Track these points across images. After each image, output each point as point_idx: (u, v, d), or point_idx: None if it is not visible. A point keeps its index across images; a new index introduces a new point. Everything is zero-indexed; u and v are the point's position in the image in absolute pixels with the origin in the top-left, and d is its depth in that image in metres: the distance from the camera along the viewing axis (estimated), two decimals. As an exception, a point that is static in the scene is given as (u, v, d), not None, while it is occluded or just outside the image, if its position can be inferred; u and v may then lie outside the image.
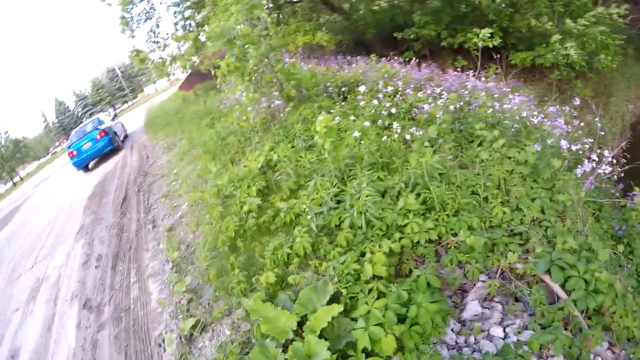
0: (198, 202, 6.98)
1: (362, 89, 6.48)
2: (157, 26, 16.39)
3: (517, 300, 4.05)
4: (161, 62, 16.03)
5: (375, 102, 6.10)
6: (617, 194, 5.24)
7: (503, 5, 11.65)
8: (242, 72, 6.60)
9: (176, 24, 16.92)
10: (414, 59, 9.33)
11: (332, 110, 6.42)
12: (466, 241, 4.01)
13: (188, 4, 15.98)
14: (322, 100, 7.29)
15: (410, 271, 4.13)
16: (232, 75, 6.73)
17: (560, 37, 10.25)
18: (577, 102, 5.33)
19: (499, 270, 4.11)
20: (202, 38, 12.62)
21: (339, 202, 4.73)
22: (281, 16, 16.83)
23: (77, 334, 5.48)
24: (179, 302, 5.04)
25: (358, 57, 11.89)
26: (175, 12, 16.62)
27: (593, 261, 3.80)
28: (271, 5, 16.07)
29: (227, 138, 8.19)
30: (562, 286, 3.75)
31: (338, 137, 5.55)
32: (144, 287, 5.88)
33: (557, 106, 6.09)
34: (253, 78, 6.89)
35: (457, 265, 4.18)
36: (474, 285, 4.17)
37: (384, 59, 10.02)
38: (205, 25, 11.38)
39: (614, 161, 4.96)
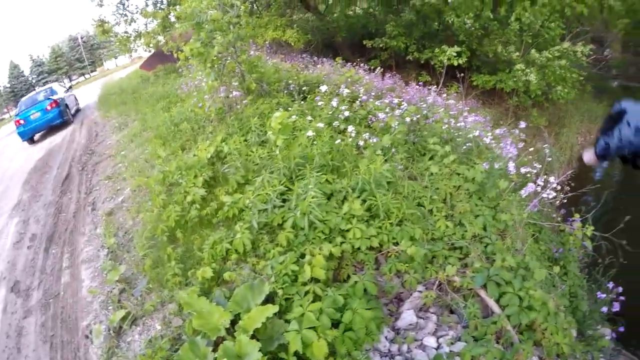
0: (142, 188, 6.71)
1: (323, 88, 6.43)
2: (128, -1, 15.81)
3: (452, 312, 4.11)
4: (126, 36, 15.47)
5: (334, 104, 6.05)
6: (558, 219, 5.41)
7: (474, 27, 11.95)
8: (205, 58, 6.41)
9: (148, -1, 16.38)
10: (379, 67, 9.38)
11: (290, 108, 6.34)
12: (407, 251, 4.03)
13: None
14: (282, 96, 7.19)
15: (349, 276, 4.10)
16: (195, 60, 6.53)
17: (524, 66, 10.61)
18: (522, 125, 5.48)
19: (437, 282, 4.15)
20: (172, 18, 12.28)
21: (284, 200, 4.64)
22: (255, 7, 16.59)
23: (2, 319, 5.16)
24: (111, 291, 4.84)
25: (324, 59, 11.88)
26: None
27: (529, 279, 3.91)
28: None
29: (180, 124, 7.93)
30: (497, 301, 3.84)
31: (292, 135, 5.47)
32: (76, 273, 5.61)
33: (506, 129, 6.25)
34: (216, 66, 6.70)
35: (395, 274, 4.20)
36: (411, 294, 4.19)
37: (349, 64, 10.04)
38: (177, 5, 11.04)
39: (559, 187, 5.15)
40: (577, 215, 5.04)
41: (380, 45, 13.09)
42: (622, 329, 4.75)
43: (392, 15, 14.68)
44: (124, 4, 15.64)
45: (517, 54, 11.63)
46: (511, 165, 4.84)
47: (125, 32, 15.39)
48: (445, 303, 4.10)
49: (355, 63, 10.67)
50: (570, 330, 3.84)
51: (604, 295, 4.58)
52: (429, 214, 4.64)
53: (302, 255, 4.06)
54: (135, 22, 15.44)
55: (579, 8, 10.46)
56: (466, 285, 3.96)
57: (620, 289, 4.63)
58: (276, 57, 12.49)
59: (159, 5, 16.05)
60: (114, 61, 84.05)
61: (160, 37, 12.93)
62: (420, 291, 4.15)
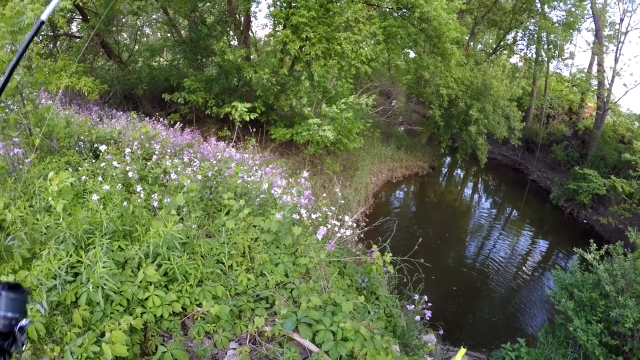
0: None
1: (104, 147, 6.10)
2: None
3: (272, 361, 4.14)
4: None
5: (128, 162, 5.80)
6: (358, 252, 5.99)
7: (271, 83, 12.64)
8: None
9: None
10: (179, 122, 9.32)
11: (80, 168, 5.83)
12: (211, 311, 3.96)
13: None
14: (72, 154, 6.53)
15: (156, 347, 3.87)
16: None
17: (317, 119, 11.53)
18: (305, 174, 6.03)
19: (249, 335, 4.14)
20: None
21: (76, 274, 4.20)
22: (54, 48, 15.06)
23: None
24: None
25: (122, 112, 11.32)
26: None
27: (338, 313, 4.14)
28: (50, 33, 14.26)
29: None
30: (313, 340, 3.96)
31: (80, 199, 5.05)
32: None
33: (304, 178, 6.77)
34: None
35: (205, 336, 4.07)
36: (226, 353, 4.11)
37: (148, 118, 9.78)
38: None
39: (355, 225, 5.75)
40: (375, 246, 5.65)
41: (179, 100, 12.97)
42: (442, 332, 5.52)
43: (192, 70, 14.80)
44: None
45: (309, 109, 12.65)
46: (303, 212, 5.23)
47: None
48: (262, 354, 4.09)
49: (155, 117, 10.43)
50: (392, 347, 4.09)
51: (412, 307, 5.15)
52: (229, 270, 4.66)
53: (102, 334, 3.66)
54: None
55: (362, 68, 12.07)
56: (277, 332, 4.04)
57: (425, 298, 5.25)
58: (70, 108, 11.39)
59: None
60: None
61: None
62: (234, 348, 4.09)
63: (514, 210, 18.93)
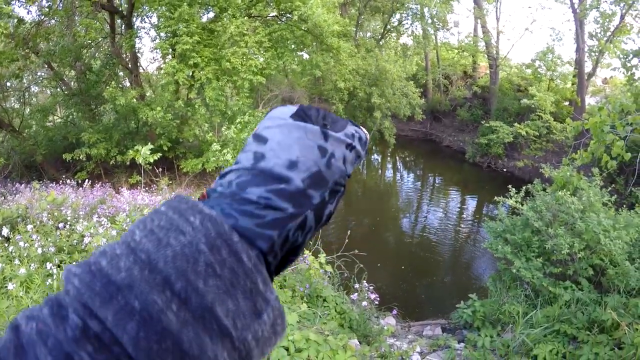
0: None
1: (5, 231, 5.93)
2: None
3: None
4: None
5: (34, 239, 5.69)
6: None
7: (169, 118, 12.37)
8: None
9: None
10: (87, 180, 9.09)
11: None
12: None
13: None
14: (-20, 242, 6.33)
15: None
16: None
17: (217, 145, 11.44)
18: None
19: None
20: None
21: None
22: None
23: None
24: None
25: (23, 184, 10.79)
26: None
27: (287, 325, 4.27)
28: None
29: None
30: None
31: (3, 289, 4.94)
32: None
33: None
34: None
35: None
36: None
37: (54, 183, 9.46)
38: None
39: None
40: (307, 251, 5.82)
41: (81, 157, 12.32)
42: (394, 312, 5.89)
43: (88, 122, 14.24)
44: None
45: (211, 134, 12.61)
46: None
47: None
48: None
49: (61, 180, 10.09)
50: (350, 343, 4.12)
51: (356, 295, 5.41)
52: None
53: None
54: None
55: (255, 79, 12.16)
56: None
57: (365, 283, 5.55)
58: None
59: None
60: None
61: None
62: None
63: (437, 178, 19.95)
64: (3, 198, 9.33)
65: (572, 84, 19.55)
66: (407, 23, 24.96)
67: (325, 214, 0.44)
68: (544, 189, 6.80)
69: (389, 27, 25.18)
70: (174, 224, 0.36)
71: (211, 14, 13.94)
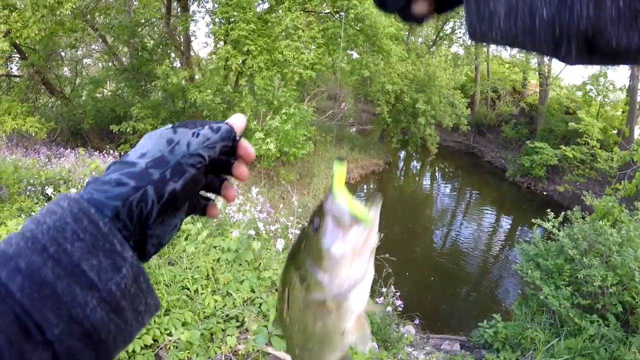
0: None
1: (50, 190, 6.07)
2: None
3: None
4: None
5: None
6: None
7: (215, 102, 12.61)
8: None
9: None
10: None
11: (33, 213, 5.79)
12: (182, 338, 4.00)
13: None
14: (23, 200, 6.46)
15: None
16: None
17: (261, 133, 11.63)
18: (255, 190, 6.13)
19: (223, 356, 4.17)
20: None
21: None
22: None
23: None
24: None
25: (70, 149, 11.09)
26: None
27: None
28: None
29: None
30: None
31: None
32: None
33: (249, 195, 6.87)
34: None
35: None
36: None
37: (98, 152, 9.68)
38: None
39: None
40: None
41: (128, 130, 12.69)
42: (417, 321, 5.75)
43: (138, 97, 14.60)
44: None
45: (255, 122, 12.74)
46: (261, 225, 5.37)
47: None
48: (239, 374, 4.18)
49: (105, 150, 10.32)
50: (369, 345, 4.19)
51: (382, 299, 5.35)
52: (195, 294, 4.71)
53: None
54: None
55: (306, 73, 12.23)
56: (251, 349, 4.09)
57: (392, 288, 5.48)
58: (18, 151, 11.06)
59: None
60: None
61: None
62: (211, 372, 4.18)
63: (474, 193, 19.54)
64: (48, 160, 9.61)
65: (623, 112, 18.75)
66: (459, 32, 24.50)
67: (167, 191, 0.50)
68: (583, 217, 6.61)
69: (441, 34, 24.76)
70: (50, 209, 0.46)
71: (266, 5, 14.02)
